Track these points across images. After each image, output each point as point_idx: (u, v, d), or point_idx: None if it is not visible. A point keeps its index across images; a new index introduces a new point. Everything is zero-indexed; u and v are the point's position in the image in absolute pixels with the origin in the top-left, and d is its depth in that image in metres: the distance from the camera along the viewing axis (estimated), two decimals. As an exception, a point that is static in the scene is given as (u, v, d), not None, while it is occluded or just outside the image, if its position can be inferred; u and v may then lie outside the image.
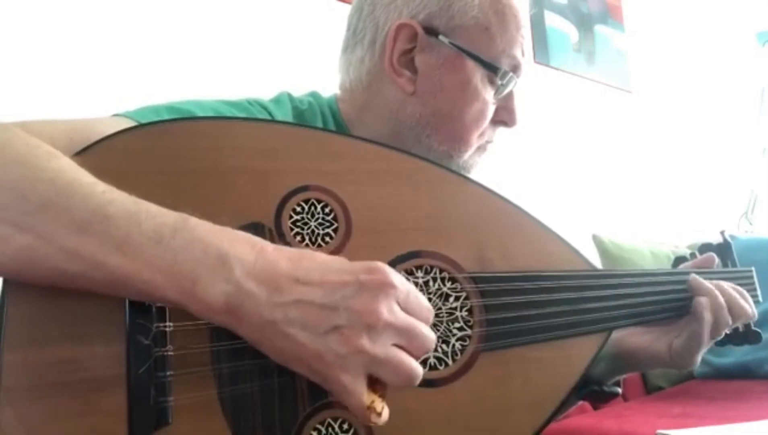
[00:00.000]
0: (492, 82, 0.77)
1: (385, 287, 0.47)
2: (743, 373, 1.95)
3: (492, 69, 0.75)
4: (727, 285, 0.79)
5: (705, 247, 0.89)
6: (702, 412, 1.58)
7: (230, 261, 0.46)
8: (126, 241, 0.46)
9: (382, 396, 0.48)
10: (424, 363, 0.58)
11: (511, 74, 0.77)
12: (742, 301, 0.78)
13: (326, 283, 0.47)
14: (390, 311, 0.47)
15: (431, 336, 0.50)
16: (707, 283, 0.77)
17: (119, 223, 0.46)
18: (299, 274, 0.47)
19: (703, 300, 0.75)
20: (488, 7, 0.75)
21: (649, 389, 2.01)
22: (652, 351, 0.79)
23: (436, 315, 0.60)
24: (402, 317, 0.48)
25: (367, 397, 0.47)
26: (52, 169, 0.47)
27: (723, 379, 1.97)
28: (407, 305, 0.49)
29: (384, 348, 0.47)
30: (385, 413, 0.48)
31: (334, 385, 0.47)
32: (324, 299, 0.47)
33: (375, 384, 0.48)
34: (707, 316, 0.74)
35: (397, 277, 0.49)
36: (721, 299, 0.76)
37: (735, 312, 0.77)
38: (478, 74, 0.75)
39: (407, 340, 0.48)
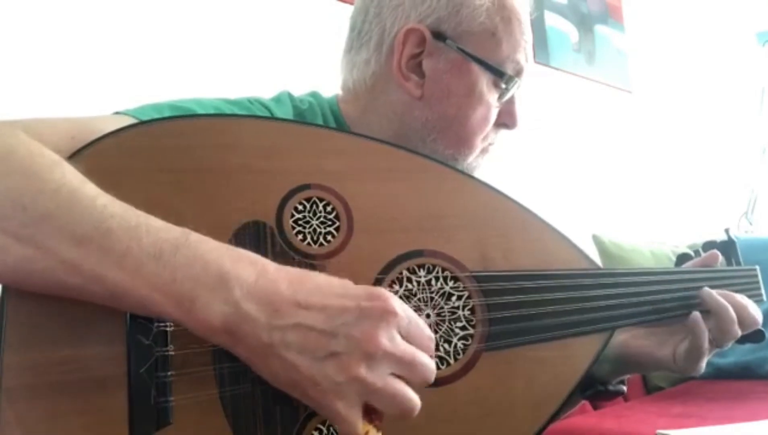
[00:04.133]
0: (496, 86, 0.77)
1: (386, 315, 0.47)
2: (743, 373, 1.95)
3: (498, 74, 0.76)
4: (738, 297, 0.78)
5: (708, 245, 0.88)
6: (702, 412, 1.58)
7: (230, 281, 0.46)
8: (126, 256, 0.45)
9: (378, 426, 0.47)
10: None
11: (515, 79, 0.77)
12: (751, 311, 0.77)
13: (327, 308, 0.47)
14: (390, 340, 0.47)
15: (431, 366, 0.49)
16: (720, 299, 0.76)
17: (120, 237, 0.45)
18: (300, 297, 0.47)
19: (697, 315, 0.74)
20: (495, 13, 0.75)
21: (649, 389, 2.01)
22: (657, 356, 0.78)
23: (438, 314, 0.60)
24: (402, 346, 0.47)
25: (362, 427, 0.46)
26: (55, 181, 0.46)
27: (723, 379, 1.97)
28: (408, 333, 0.48)
29: (382, 377, 0.46)
30: None
31: (327, 411, 0.47)
32: (324, 325, 0.46)
33: (371, 413, 0.47)
34: (705, 331, 0.74)
35: (398, 304, 0.48)
36: (733, 314, 0.75)
37: (745, 324, 0.76)
38: (483, 79, 0.75)
39: (407, 370, 0.48)
